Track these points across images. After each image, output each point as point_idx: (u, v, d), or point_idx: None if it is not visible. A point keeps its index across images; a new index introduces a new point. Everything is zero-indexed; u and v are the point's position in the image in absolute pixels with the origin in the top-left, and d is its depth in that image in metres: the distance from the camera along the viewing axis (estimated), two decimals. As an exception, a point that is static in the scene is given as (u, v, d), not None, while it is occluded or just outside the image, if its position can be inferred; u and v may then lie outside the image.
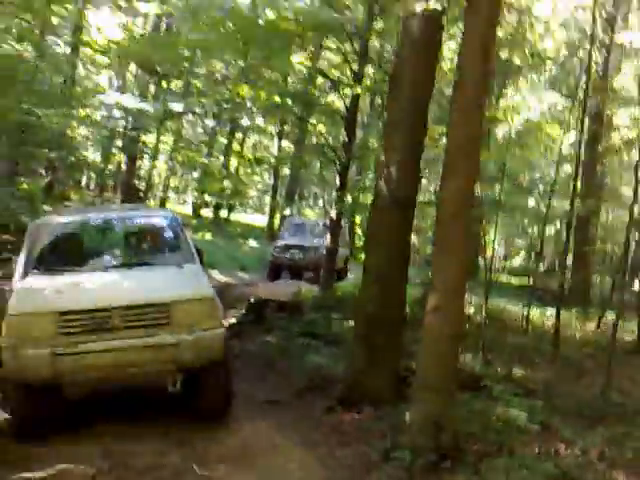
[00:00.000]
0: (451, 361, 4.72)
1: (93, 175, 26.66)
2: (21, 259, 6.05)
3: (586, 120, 15.75)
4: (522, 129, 16.88)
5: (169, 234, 6.66)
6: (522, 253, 25.94)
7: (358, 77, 10.46)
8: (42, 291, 5.45)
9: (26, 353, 5.00)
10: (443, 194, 4.70)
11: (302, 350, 7.31)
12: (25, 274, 5.83)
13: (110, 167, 24.01)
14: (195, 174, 25.77)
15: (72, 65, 16.13)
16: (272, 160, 22.27)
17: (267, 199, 27.71)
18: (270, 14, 9.72)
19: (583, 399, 6.36)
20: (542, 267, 20.82)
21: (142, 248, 6.66)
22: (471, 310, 10.65)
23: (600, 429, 5.32)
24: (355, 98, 10.97)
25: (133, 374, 5.15)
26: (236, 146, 24.88)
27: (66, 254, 6.29)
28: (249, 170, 25.94)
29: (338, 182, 11.48)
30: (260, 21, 9.75)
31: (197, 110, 14.50)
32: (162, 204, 25.85)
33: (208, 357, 5.28)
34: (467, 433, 4.78)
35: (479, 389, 6.29)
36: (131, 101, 12.53)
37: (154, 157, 21.75)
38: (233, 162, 25.11)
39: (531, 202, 18.19)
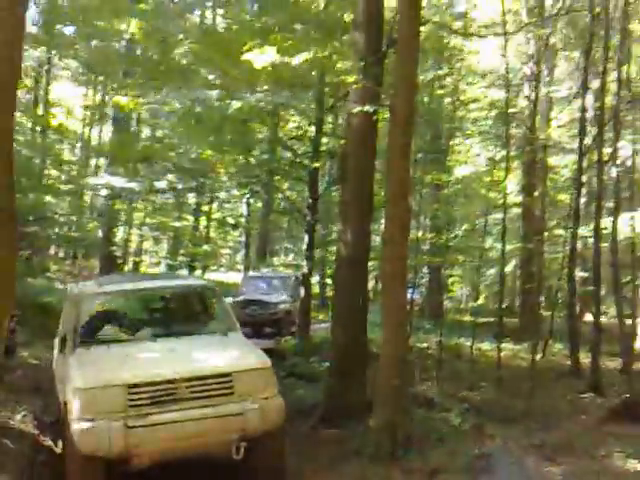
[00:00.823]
0: (398, 379, 6.58)
1: (64, 244, 28.18)
2: (68, 330, 6.36)
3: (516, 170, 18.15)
4: (467, 178, 19.26)
5: (211, 303, 7.05)
6: (484, 294, 28.09)
7: (315, 149, 12.62)
8: (106, 363, 5.71)
9: (99, 427, 5.17)
10: (384, 258, 6.66)
11: (289, 388, 9.09)
12: (75, 346, 6.11)
13: (84, 236, 25.59)
14: (167, 237, 27.54)
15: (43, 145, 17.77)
16: (243, 221, 24.18)
17: (239, 257, 29.56)
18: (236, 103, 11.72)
19: (510, 408, 8.27)
20: (502, 305, 22.85)
21: (185, 317, 7.01)
22: (431, 346, 12.63)
23: (518, 427, 7.23)
24: (314, 167, 13.10)
25: (200, 444, 5.39)
26: (205, 208, 26.76)
27: (113, 324, 6.60)
28: (219, 230, 27.81)
29: (307, 239, 13.51)
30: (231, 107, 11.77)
31: (179, 186, 16.31)
32: (136, 268, 27.48)
33: (271, 425, 5.56)
34: (417, 433, 6.62)
35: (432, 406, 8.17)
36: (120, 181, 14.20)
37: (129, 225, 23.46)
38: (204, 222, 26.95)
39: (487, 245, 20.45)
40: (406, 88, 6.43)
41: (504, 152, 18.34)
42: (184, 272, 22.16)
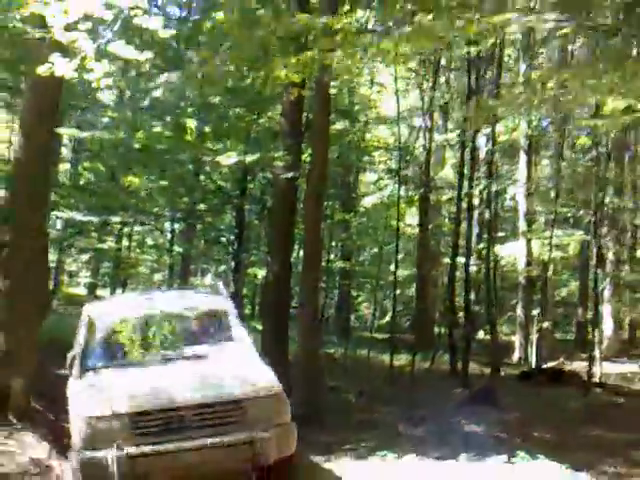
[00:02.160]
0: (313, 370, 9.53)
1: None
2: (78, 353, 6.33)
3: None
4: (373, 209, 22.64)
5: (224, 323, 6.96)
6: (389, 313, 31.75)
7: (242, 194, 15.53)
8: (110, 391, 5.62)
9: (103, 457, 5.15)
10: (301, 281, 9.64)
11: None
12: (83, 371, 6.08)
13: None
14: (87, 257, 29.43)
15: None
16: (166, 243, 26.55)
17: (157, 277, 31.78)
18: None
19: (394, 396, 11.43)
20: (400, 322, 26.25)
21: (199, 340, 6.86)
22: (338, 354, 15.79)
23: (397, 406, 10.37)
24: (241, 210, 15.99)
25: (209, 474, 5.37)
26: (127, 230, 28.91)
27: (123, 347, 6.61)
28: (138, 251, 29.92)
29: (233, 264, 16.37)
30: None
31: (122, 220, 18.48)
32: (54, 291, 29.15)
33: (283, 453, 5.54)
34: (327, 406, 9.58)
35: (337, 391, 11.18)
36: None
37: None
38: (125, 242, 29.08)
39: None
40: (320, 163, 9.48)
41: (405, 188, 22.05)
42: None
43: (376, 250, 23.07)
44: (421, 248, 20.72)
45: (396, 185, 21.65)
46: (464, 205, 16.94)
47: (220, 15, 6.73)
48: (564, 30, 7.47)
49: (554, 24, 6.36)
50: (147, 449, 5.25)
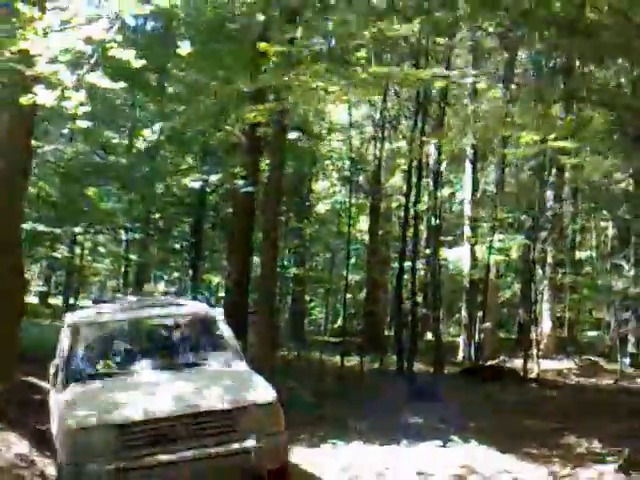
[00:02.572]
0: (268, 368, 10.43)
1: None
2: (60, 364, 6.18)
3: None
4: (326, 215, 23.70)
5: (213, 330, 6.83)
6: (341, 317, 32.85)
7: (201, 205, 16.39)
8: (97, 401, 5.53)
9: (90, 470, 5.05)
10: (258, 287, 10.56)
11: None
12: (67, 382, 5.94)
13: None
14: (39, 266, 29.75)
15: None
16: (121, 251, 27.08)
17: (110, 283, 32.21)
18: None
19: (346, 395, 12.43)
20: (355, 325, 27.36)
21: (187, 347, 6.82)
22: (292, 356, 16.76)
23: (347, 402, 11.37)
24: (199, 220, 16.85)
25: None
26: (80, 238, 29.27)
27: (108, 356, 6.46)
28: (90, 258, 30.29)
29: (191, 272, 17.21)
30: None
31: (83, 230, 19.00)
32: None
33: (275, 463, 5.57)
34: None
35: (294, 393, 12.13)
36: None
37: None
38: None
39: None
40: (276, 176, 10.41)
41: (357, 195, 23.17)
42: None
43: (328, 256, 24.14)
44: (371, 253, 21.81)
45: (348, 192, 22.86)
46: (412, 211, 18.12)
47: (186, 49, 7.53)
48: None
49: (472, 79, 7.43)
50: (137, 462, 5.14)
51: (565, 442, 8.93)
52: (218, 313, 7.17)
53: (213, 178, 9.99)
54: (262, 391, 5.80)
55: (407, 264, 18.55)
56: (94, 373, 6.19)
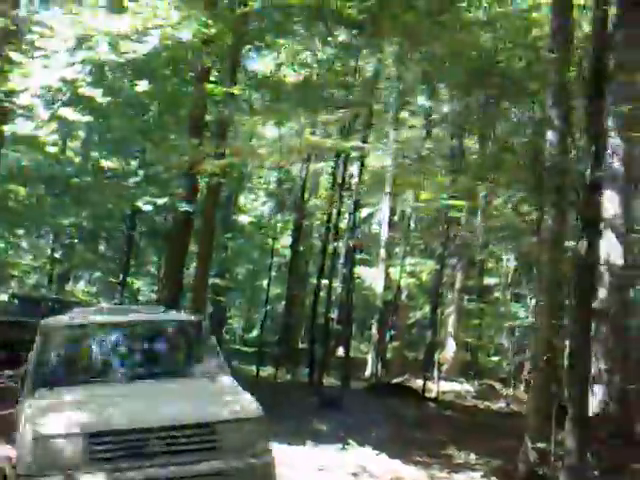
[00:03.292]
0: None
1: None
2: (30, 368, 5.89)
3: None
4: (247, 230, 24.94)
5: (196, 340, 6.63)
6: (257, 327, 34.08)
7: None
8: (64, 408, 5.24)
9: None
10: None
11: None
12: (35, 387, 5.63)
13: None
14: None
15: None
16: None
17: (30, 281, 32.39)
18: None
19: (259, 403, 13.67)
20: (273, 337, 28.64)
21: (167, 356, 6.62)
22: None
23: None
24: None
25: None
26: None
27: (82, 362, 6.30)
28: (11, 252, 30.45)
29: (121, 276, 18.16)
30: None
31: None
32: None
33: None
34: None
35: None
36: None
37: None
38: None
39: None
40: (212, 197, 11.62)
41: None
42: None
43: (250, 267, 25.38)
44: (292, 269, 23.22)
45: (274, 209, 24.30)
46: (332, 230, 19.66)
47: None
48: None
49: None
50: (105, 478, 4.77)
51: (447, 453, 10.47)
52: (202, 321, 6.99)
53: (160, 202, 11.15)
54: (247, 405, 5.43)
55: (325, 281, 20.08)
56: (65, 380, 5.88)
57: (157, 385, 5.79)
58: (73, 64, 7.35)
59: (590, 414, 11.08)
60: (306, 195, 23.03)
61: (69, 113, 7.56)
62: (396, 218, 25.51)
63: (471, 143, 21.61)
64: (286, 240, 25.89)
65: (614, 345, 11.12)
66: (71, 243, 22.05)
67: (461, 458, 10.12)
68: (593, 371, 11.51)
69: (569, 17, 8.69)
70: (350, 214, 21.62)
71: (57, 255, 22.76)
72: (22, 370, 6.17)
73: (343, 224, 22.33)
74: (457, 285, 24.38)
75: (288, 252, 24.79)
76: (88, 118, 7.95)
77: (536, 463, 7.68)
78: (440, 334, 25.15)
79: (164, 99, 11.16)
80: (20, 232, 25.22)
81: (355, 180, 22.41)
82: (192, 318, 7.18)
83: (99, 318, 6.74)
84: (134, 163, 16.89)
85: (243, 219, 26.04)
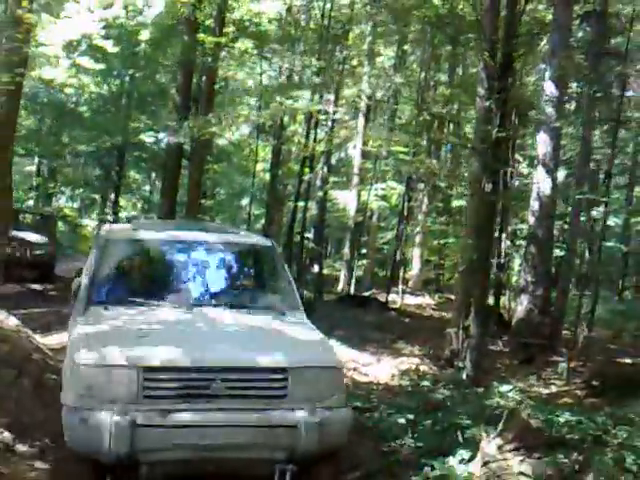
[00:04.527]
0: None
1: None
2: (84, 281, 5.54)
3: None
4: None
5: (269, 267, 6.23)
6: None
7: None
8: (118, 333, 4.87)
9: (97, 419, 4.34)
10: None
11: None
12: (89, 305, 5.31)
13: None
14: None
15: None
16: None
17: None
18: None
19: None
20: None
21: (238, 283, 6.23)
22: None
23: None
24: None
25: (233, 459, 4.57)
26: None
27: (143, 281, 5.94)
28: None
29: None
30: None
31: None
32: None
33: (331, 446, 4.73)
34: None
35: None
36: None
37: None
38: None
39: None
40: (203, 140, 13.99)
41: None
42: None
43: (231, 189, 27.80)
44: (271, 191, 25.62)
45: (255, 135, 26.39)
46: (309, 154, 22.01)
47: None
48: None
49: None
50: (158, 418, 4.43)
51: (396, 346, 13.32)
52: (275, 248, 6.45)
53: (161, 135, 13.53)
54: (323, 351, 5.04)
55: (301, 204, 22.58)
56: (123, 299, 5.51)
57: (225, 316, 5.37)
58: (93, 21, 9.50)
59: (516, 319, 14.15)
60: (285, 120, 25.19)
61: (85, 62, 9.81)
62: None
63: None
64: (266, 164, 28.18)
65: (539, 262, 13.86)
66: (57, 164, 24.19)
67: (407, 350, 12.97)
68: (521, 283, 14.46)
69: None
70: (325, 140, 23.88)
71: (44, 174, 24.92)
72: (75, 283, 5.74)
73: (320, 147, 24.69)
74: (423, 208, 27.10)
75: (267, 175, 27.09)
76: (101, 66, 10.16)
77: (454, 347, 10.48)
78: (407, 253, 28.10)
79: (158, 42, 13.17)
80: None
81: (331, 107, 24.67)
82: (267, 242, 6.57)
83: (165, 234, 6.26)
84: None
85: (224, 142, 28.18)
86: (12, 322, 9.42)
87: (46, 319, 11.85)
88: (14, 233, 14.86)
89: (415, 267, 27.70)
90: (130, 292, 5.74)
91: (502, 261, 18.49)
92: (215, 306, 5.63)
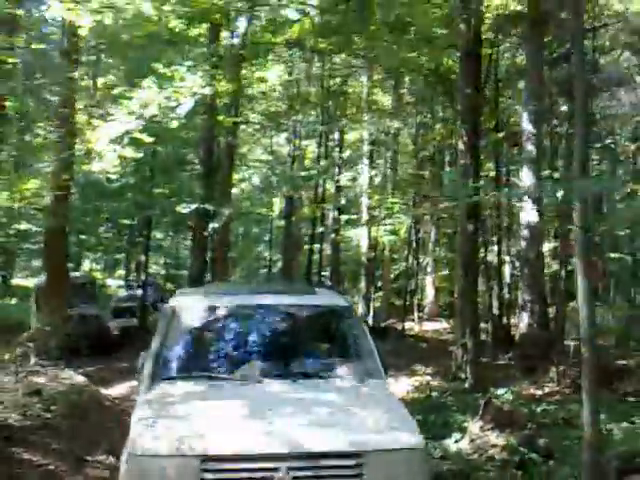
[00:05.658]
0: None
1: None
2: (150, 355, 5.48)
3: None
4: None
5: (347, 331, 5.99)
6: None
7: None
8: (179, 418, 4.68)
9: None
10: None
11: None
12: (154, 381, 5.27)
13: None
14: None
15: None
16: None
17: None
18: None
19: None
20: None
21: (313, 349, 6.03)
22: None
23: None
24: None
25: None
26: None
27: (211, 353, 5.83)
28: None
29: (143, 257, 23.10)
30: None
31: None
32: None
33: None
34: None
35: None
36: None
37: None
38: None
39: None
40: (227, 192, 16.44)
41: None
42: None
43: (247, 237, 30.28)
44: (286, 236, 28.03)
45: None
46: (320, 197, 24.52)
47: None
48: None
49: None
50: None
51: (412, 368, 15.51)
52: (353, 308, 6.30)
53: (193, 206, 16.02)
54: (404, 429, 4.67)
55: (317, 245, 25.01)
56: (188, 373, 5.51)
57: (296, 389, 5.17)
58: (135, 119, 11.92)
59: (519, 334, 16.29)
60: (295, 165, 27.65)
61: (127, 152, 12.21)
62: (377, 180, 30.00)
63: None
64: (277, 209, 30.69)
65: (532, 282, 16.03)
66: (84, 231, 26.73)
67: (421, 370, 15.15)
68: (520, 301, 16.63)
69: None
70: (335, 183, 26.23)
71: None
72: (141, 357, 5.74)
73: (330, 186, 27.04)
74: (432, 237, 29.40)
75: (277, 220, 29.63)
76: (140, 154, 12.61)
77: (458, 363, 12.70)
78: (421, 282, 30.40)
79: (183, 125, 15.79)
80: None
81: (337, 153, 27.17)
82: (344, 302, 6.41)
83: (235, 299, 6.14)
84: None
85: (235, 193, 30.74)
86: (80, 378, 11.91)
87: (104, 374, 14.26)
88: (72, 309, 16.73)
89: (429, 294, 29.90)
90: (197, 366, 5.68)
91: (506, 282, 20.72)
92: (287, 377, 5.37)
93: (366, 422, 4.71)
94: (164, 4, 11.82)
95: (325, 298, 6.50)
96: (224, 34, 16.90)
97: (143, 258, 23.69)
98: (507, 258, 21.56)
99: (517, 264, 21.54)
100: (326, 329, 6.30)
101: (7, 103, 13.34)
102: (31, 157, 16.36)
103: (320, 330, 6.29)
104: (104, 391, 12.27)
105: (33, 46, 12.25)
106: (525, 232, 16.16)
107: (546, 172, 18.83)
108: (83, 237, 25.87)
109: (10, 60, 11.11)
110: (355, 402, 5.02)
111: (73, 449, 7.80)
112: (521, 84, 18.56)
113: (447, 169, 26.49)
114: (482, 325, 18.04)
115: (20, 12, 12.36)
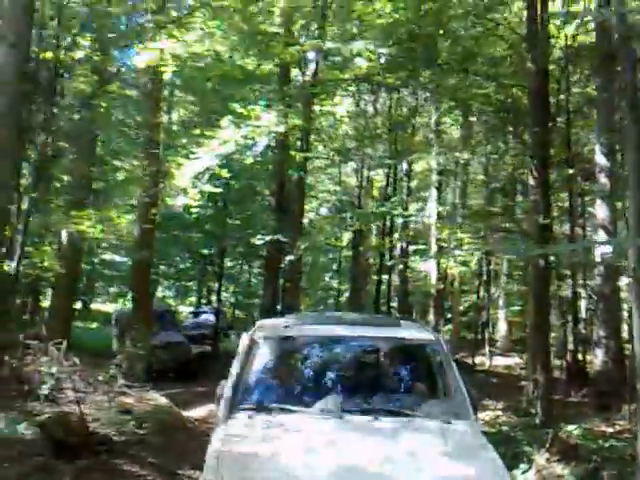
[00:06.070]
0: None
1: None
2: (229, 386, 5.41)
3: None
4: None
5: (434, 367, 5.68)
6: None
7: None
8: (253, 455, 4.49)
9: None
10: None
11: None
12: (232, 411, 5.18)
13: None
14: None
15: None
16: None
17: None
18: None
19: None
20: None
21: (397, 385, 5.80)
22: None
23: None
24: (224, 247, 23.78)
25: None
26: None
27: (292, 384, 5.71)
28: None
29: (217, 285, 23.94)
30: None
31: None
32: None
33: None
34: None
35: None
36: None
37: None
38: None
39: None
40: (296, 231, 17.08)
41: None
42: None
43: (317, 267, 30.95)
44: (354, 265, 28.53)
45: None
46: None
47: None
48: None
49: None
50: None
51: (484, 403, 15.57)
52: (443, 344, 5.97)
53: (267, 237, 16.99)
54: (493, 475, 4.41)
55: (385, 276, 25.35)
56: (267, 405, 5.36)
57: (377, 428, 4.96)
58: (215, 156, 12.69)
59: (594, 371, 16.25)
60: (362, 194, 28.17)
61: (208, 187, 13.00)
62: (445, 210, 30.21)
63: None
64: (345, 239, 31.27)
65: (607, 318, 15.99)
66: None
67: (492, 405, 15.30)
68: (594, 337, 16.59)
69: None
70: (402, 214, 26.58)
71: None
72: (219, 387, 5.69)
73: (398, 217, 27.37)
74: (504, 269, 29.36)
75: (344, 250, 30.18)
76: (219, 189, 13.38)
77: (530, 398, 12.84)
78: (493, 315, 30.33)
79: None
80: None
81: (405, 184, 27.59)
82: (431, 336, 6.11)
83: (318, 330, 5.98)
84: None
85: (305, 223, 31.52)
86: (163, 400, 12.60)
87: (184, 397, 15.03)
88: (157, 338, 17.84)
89: (502, 329, 29.80)
90: (277, 397, 5.56)
91: (581, 317, 20.60)
92: (368, 413, 5.17)
93: (451, 471, 4.43)
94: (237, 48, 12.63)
95: (411, 331, 6.23)
96: (294, 72, 17.87)
97: (216, 286, 24.56)
98: (583, 292, 21.42)
99: (593, 299, 21.49)
100: (411, 363, 6.10)
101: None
102: (120, 193, 17.58)
103: (405, 364, 6.10)
104: (185, 413, 13.18)
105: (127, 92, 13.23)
106: (600, 266, 16.16)
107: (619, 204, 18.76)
108: (163, 267, 26.95)
109: (103, 104, 12.07)
110: (439, 446, 4.75)
111: (165, 463, 8.69)
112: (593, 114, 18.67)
113: (519, 199, 26.63)
114: (556, 362, 18.11)
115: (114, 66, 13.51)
